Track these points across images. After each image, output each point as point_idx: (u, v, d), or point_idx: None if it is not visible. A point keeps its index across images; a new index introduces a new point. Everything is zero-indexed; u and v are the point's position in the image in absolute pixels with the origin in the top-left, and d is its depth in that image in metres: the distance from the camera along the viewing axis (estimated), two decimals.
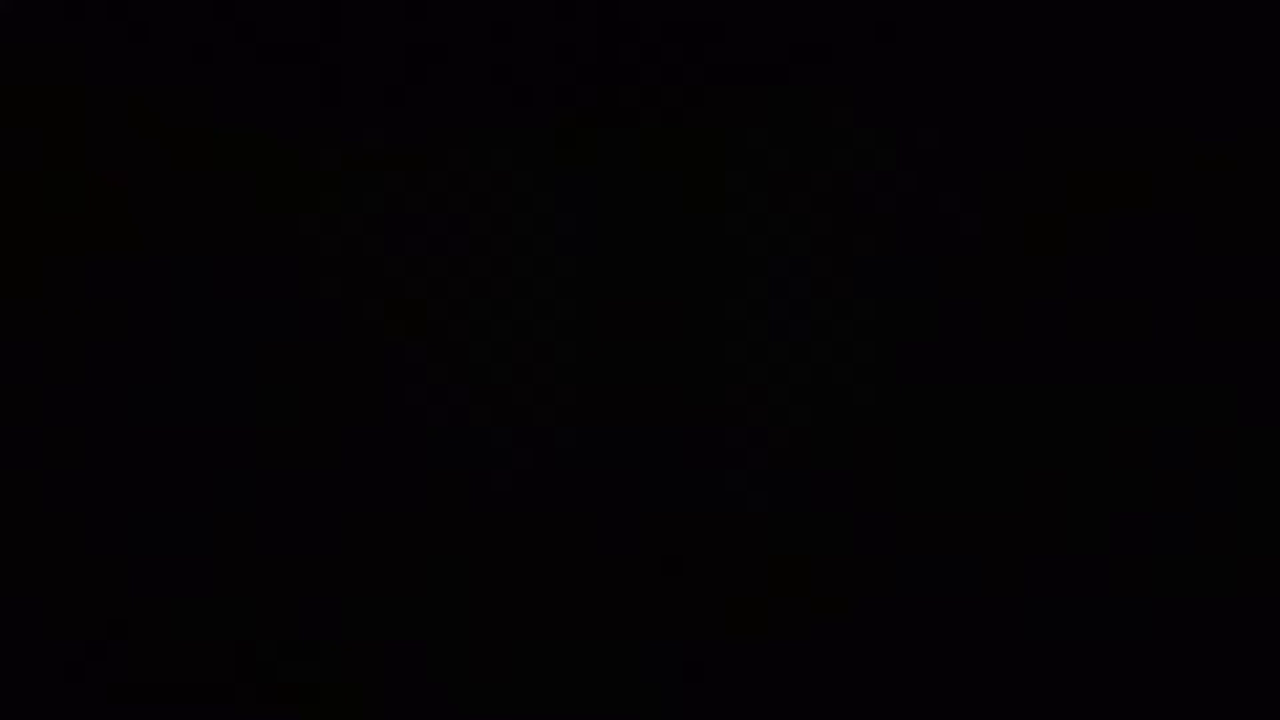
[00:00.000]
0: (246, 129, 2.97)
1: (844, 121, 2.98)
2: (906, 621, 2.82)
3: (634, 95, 3.08)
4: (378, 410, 2.98)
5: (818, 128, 2.99)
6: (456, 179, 3.08)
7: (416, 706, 2.81)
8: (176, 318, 2.93)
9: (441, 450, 2.97)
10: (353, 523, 2.93)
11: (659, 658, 2.80)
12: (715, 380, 3.01)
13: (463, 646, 2.86)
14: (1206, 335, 2.86)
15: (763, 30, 3.02)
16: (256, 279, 2.95)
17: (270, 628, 2.83)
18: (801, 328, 3.00)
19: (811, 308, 3.00)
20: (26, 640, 2.74)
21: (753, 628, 2.83)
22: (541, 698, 2.80)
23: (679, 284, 3.05)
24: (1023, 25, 2.95)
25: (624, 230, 3.08)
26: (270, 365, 2.92)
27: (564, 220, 3.08)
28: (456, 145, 3.06)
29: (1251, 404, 2.81)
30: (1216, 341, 2.85)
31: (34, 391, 2.83)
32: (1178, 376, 2.85)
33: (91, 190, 2.90)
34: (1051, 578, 2.83)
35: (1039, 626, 2.80)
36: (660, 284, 3.05)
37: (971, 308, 2.96)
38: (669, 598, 2.86)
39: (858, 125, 2.98)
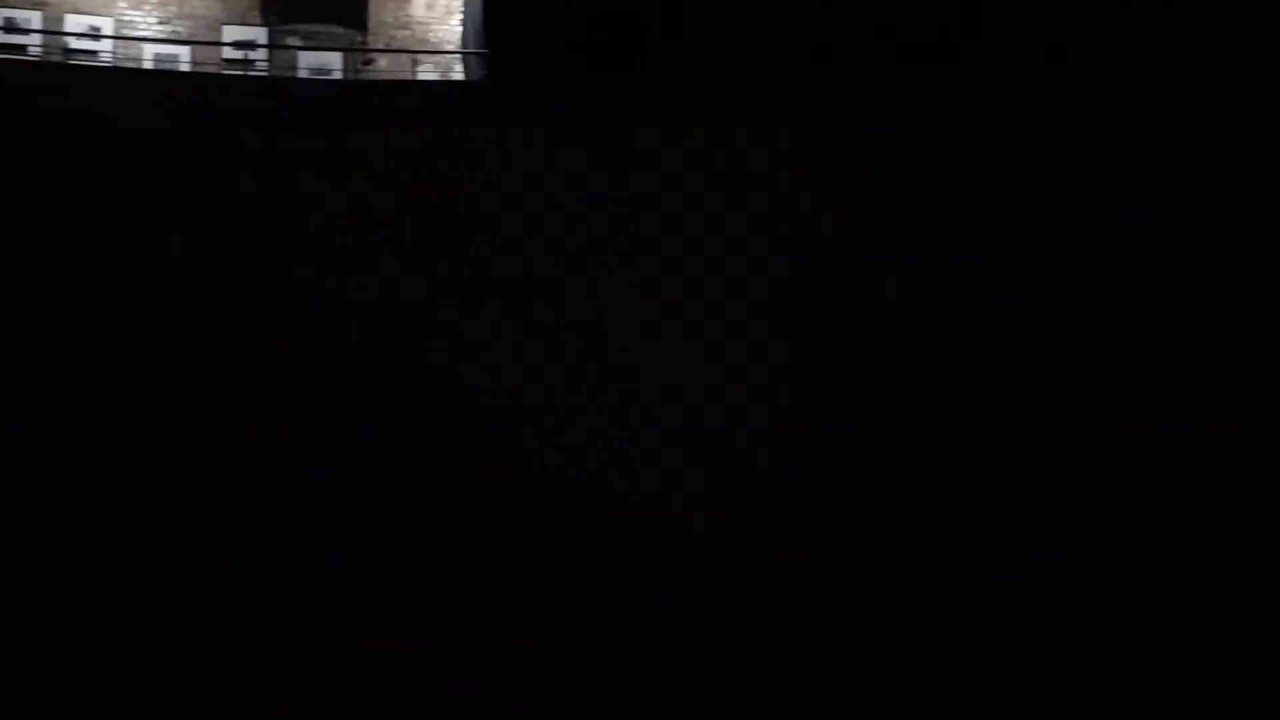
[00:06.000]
0: (261, 131, 2.97)
1: (844, 121, 2.99)
2: (906, 621, 2.82)
3: (635, 95, 3.08)
4: (374, 409, 2.97)
5: (818, 128, 3.00)
6: (457, 178, 3.08)
7: (416, 705, 2.81)
8: (172, 318, 2.93)
9: (439, 450, 2.97)
10: (346, 522, 2.92)
11: (659, 658, 2.80)
12: (714, 379, 3.01)
13: (461, 645, 2.86)
14: (1206, 335, 2.86)
15: (764, 31, 3.02)
16: (254, 279, 2.95)
17: (267, 627, 2.83)
18: (801, 328, 3.00)
19: (811, 307, 3.01)
20: (22, 639, 2.74)
21: (752, 628, 2.83)
22: (542, 696, 2.80)
23: (674, 283, 3.05)
24: (1023, 26, 2.96)
25: (624, 229, 3.08)
26: (266, 365, 2.91)
27: (566, 219, 3.08)
28: (456, 142, 3.06)
29: (1251, 404, 2.82)
30: (1216, 341, 2.86)
31: (30, 391, 2.82)
32: (1178, 376, 2.86)
33: (90, 190, 2.90)
34: (1051, 578, 2.83)
35: (1038, 626, 2.80)
36: (657, 283, 3.05)
37: (971, 308, 2.96)
38: (669, 598, 2.86)
39: (858, 125, 2.98)
